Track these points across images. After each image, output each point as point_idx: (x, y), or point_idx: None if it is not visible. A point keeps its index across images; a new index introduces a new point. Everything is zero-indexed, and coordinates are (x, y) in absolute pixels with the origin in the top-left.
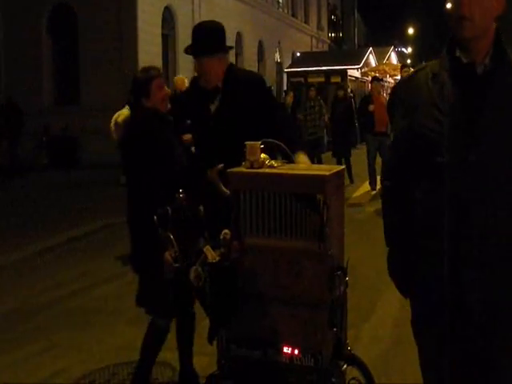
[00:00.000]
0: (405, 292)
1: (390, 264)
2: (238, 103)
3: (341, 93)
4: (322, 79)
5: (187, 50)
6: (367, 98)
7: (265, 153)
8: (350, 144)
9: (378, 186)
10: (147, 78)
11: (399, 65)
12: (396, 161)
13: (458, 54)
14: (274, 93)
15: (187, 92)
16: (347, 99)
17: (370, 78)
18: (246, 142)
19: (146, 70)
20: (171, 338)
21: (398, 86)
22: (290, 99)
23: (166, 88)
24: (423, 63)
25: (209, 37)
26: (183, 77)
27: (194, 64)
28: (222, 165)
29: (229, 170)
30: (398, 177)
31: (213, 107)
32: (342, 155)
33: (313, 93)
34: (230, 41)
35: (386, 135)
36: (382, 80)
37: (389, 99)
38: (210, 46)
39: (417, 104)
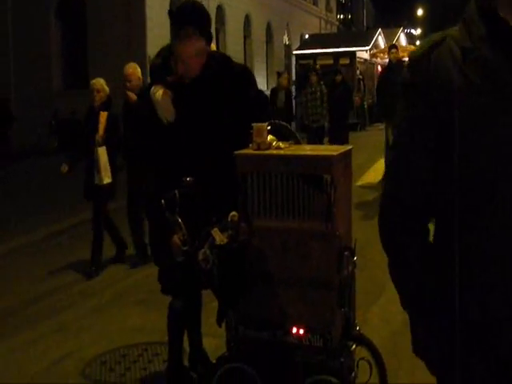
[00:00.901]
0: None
1: (416, 337)
2: (217, 94)
3: (338, 77)
4: (330, 61)
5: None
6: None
7: (271, 134)
8: (348, 129)
9: None
10: (165, 58)
11: (409, 46)
12: (418, 187)
13: (502, 13)
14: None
15: None
16: (345, 84)
17: (379, 60)
18: (253, 124)
19: (160, 52)
20: None
21: (411, 69)
22: (284, 81)
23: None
24: (432, 35)
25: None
26: (134, 64)
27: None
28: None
29: (236, 152)
30: (418, 209)
31: (192, 99)
32: (339, 141)
33: (314, 78)
34: (239, 23)
35: None
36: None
37: (378, 83)
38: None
39: (447, 102)
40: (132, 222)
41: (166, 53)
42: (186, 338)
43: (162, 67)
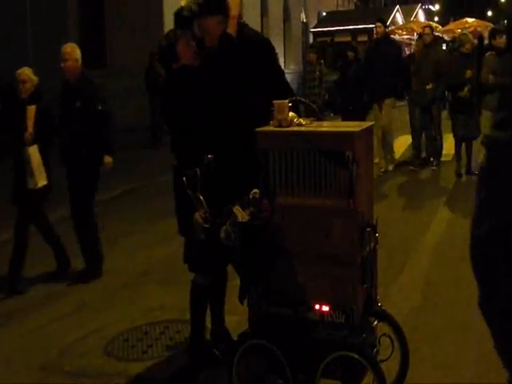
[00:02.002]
0: None
1: None
2: (239, 63)
3: (351, 54)
4: (348, 38)
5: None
6: (412, 56)
7: (292, 111)
8: (364, 111)
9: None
10: (172, 43)
11: (427, 22)
12: None
13: None
14: (300, 53)
15: None
16: (359, 62)
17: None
18: (274, 101)
19: (168, 34)
20: None
21: None
22: (313, 57)
23: (192, 44)
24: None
25: None
26: (73, 44)
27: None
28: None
29: (257, 129)
30: None
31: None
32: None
33: (312, 56)
34: (256, 1)
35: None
36: (442, 39)
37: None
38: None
39: None
40: (80, 228)
41: (173, 37)
42: (207, 315)
43: (168, 51)
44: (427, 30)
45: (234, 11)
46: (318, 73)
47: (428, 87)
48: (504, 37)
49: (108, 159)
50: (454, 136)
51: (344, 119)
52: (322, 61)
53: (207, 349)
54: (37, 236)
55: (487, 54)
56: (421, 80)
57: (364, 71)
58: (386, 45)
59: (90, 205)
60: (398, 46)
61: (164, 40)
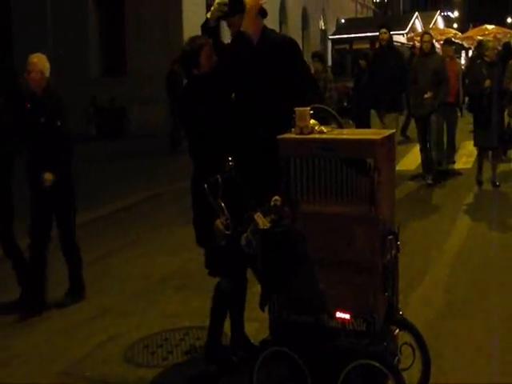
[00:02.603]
0: None
1: None
2: (271, 65)
3: (362, 62)
4: (367, 45)
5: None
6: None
7: (314, 118)
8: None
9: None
10: (195, 49)
11: (446, 29)
12: None
13: None
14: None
15: None
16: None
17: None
18: (296, 108)
19: (193, 40)
20: None
21: None
22: (318, 66)
23: (214, 56)
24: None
25: None
26: (39, 55)
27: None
28: None
29: (279, 137)
30: None
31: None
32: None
33: (317, 65)
34: (274, 9)
35: (453, 106)
36: (454, 43)
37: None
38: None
39: None
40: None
41: (197, 43)
42: (227, 322)
43: (191, 57)
44: (426, 38)
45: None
46: (322, 81)
47: (426, 96)
48: None
49: (49, 176)
50: (474, 145)
51: (357, 126)
52: (329, 68)
53: (225, 354)
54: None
55: (511, 61)
56: (418, 90)
57: (368, 80)
58: (389, 54)
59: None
60: (401, 55)
61: (188, 45)
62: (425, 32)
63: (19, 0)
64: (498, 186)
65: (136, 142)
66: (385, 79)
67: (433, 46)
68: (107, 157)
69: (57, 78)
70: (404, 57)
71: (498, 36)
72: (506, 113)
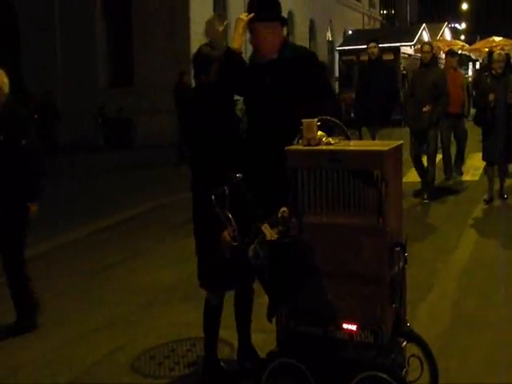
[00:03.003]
0: None
1: None
2: (292, 77)
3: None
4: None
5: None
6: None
7: (321, 130)
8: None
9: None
10: (210, 59)
11: (453, 41)
12: None
13: None
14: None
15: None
16: None
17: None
18: (303, 120)
19: (212, 48)
20: (228, 316)
21: None
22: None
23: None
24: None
25: (268, 4)
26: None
27: (249, 38)
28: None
29: (287, 148)
30: None
31: (268, 79)
32: None
33: None
34: None
35: (460, 117)
36: (457, 54)
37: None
38: (269, 12)
39: None
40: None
41: (217, 53)
42: (233, 333)
43: (203, 62)
44: (426, 48)
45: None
46: None
47: (425, 109)
48: None
49: (33, 208)
50: (482, 159)
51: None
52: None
53: (219, 367)
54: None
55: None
56: (416, 102)
57: (357, 93)
58: (380, 68)
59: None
60: (392, 69)
61: (207, 49)
62: (425, 42)
63: (27, 10)
64: (506, 198)
65: (143, 152)
66: (375, 94)
67: (434, 57)
68: (114, 167)
69: (65, 88)
70: (395, 70)
71: (506, 48)
72: None
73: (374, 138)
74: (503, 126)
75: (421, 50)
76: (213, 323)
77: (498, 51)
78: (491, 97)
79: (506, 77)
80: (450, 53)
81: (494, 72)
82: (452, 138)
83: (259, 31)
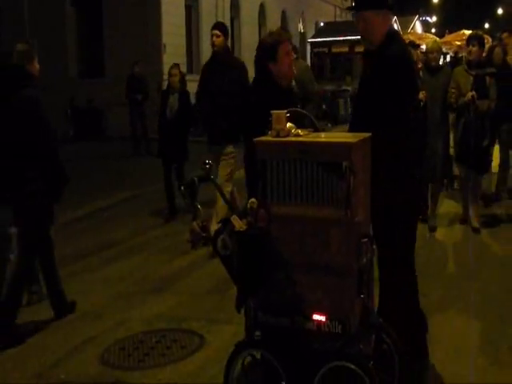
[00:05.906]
0: None
1: None
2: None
3: None
4: (346, 49)
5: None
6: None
7: (291, 122)
8: None
9: None
10: (274, 43)
11: (424, 34)
12: None
13: None
14: None
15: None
16: None
17: None
18: (272, 111)
19: (274, 33)
20: (195, 308)
21: None
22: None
23: (292, 53)
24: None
25: None
26: None
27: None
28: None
29: (255, 139)
30: None
31: (368, 70)
32: None
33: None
34: (254, 11)
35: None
36: (419, 46)
37: None
38: None
39: None
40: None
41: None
42: (202, 324)
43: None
44: (434, 46)
45: None
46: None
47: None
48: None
49: None
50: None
51: None
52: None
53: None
54: None
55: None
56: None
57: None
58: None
59: None
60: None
61: (268, 37)
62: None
63: None
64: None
65: (114, 143)
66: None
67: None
68: (85, 158)
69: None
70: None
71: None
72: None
73: None
74: (438, 134)
75: (426, 53)
76: None
77: (433, 39)
78: (421, 95)
79: (442, 71)
80: (411, 45)
81: (427, 65)
82: None
83: (366, 19)
